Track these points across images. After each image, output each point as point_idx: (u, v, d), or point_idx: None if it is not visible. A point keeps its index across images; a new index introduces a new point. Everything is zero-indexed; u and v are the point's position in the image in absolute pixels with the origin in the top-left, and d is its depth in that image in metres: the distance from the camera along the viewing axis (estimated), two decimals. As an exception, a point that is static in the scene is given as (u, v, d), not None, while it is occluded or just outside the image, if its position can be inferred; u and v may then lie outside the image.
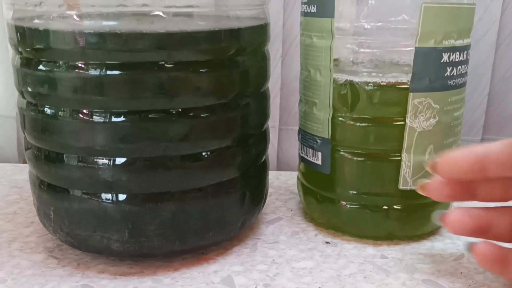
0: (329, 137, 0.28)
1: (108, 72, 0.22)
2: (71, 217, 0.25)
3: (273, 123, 0.45)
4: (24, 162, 0.48)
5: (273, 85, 0.44)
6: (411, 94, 0.26)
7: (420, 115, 0.26)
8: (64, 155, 0.24)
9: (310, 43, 0.28)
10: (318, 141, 0.28)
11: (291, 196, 0.35)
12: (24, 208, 0.32)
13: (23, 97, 0.25)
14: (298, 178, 0.32)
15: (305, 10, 0.28)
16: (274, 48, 0.43)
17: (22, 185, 0.36)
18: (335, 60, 0.27)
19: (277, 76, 0.45)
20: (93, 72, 0.22)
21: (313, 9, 0.27)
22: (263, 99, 0.28)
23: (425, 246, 0.28)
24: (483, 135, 0.45)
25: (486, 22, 0.42)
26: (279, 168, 0.47)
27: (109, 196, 0.24)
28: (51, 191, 0.25)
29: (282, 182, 0.38)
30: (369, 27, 0.25)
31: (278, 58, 0.45)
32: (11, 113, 0.47)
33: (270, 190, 0.35)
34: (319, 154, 0.28)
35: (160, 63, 0.22)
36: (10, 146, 0.48)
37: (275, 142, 0.46)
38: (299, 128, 0.30)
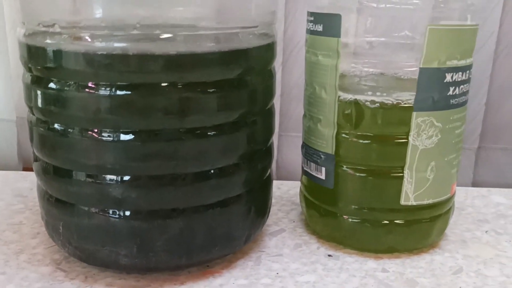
0: (333, 153, 0.28)
1: (118, 92, 0.23)
2: (80, 232, 0.25)
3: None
4: (25, 166, 0.48)
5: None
6: (414, 113, 0.26)
7: (423, 133, 0.27)
8: (73, 172, 0.25)
9: (315, 60, 0.28)
10: (322, 156, 0.29)
11: (292, 207, 0.35)
12: (29, 218, 0.33)
13: (32, 114, 0.26)
14: (300, 191, 0.32)
15: (311, 28, 0.28)
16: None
17: (26, 194, 0.36)
18: (341, 78, 0.27)
19: (278, 83, 0.46)
20: (103, 92, 0.23)
21: (320, 27, 0.27)
22: (269, 116, 0.28)
23: (425, 259, 0.29)
24: (480, 143, 0.46)
25: (485, 32, 0.42)
26: (279, 173, 0.47)
27: (118, 212, 0.24)
28: (60, 206, 0.26)
29: (283, 192, 0.38)
30: (374, 46, 0.26)
31: (278, 65, 0.45)
32: (10, 116, 0.47)
33: (272, 200, 0.35)
34: (323, 169, 0.29)
35: (169, 84, 0.23)
36: (10, 150, 0.48)
37: (275, 148, 0.47)
38: (303, 142, 0.31)
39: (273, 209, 0.35)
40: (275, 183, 0.40)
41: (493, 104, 0.44)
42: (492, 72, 0.44)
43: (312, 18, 0.28)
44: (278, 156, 0.48)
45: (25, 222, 0.32)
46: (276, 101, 0.46)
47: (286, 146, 0.47)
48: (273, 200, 0.36)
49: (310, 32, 0.28)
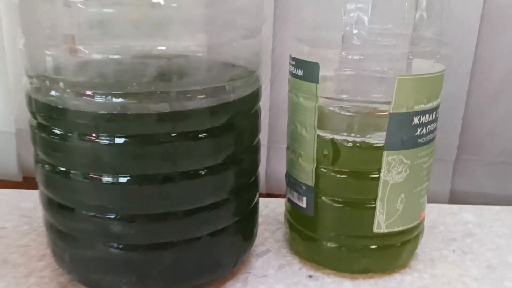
0: (313, 185, 0.31)
1: (117, 141, 0.25)
2: (84, 262, 0.28)
3: (262, 142, 0.48)
4: (25, 176, 0.50)
5: (263, 106, 0.47)
6: (385, 153, 0.29)
7: (393, 170, 0.29)
8: (76, 209, 0.27)
9: (297, 101, 0.31)
10: (303, 187, 0.32)
11: (278, 226, 0.38)
12: (35, 240, 0.36)
13: (37, 154, 0.28)
14: (285, 215, 0.35)
15: (293, 72, 0.31)
16: (264, 72, 0.46)
17: (30, 215, 0.39)
18: (319, 119, 0.30)
19: (267, 98, 0.48)
20: (102, 141, 0.25)
21: (300, 72, 0.30)
22: (255, 151, 0.31)
23: (396, 279, 0.32)
24: (457, 155, 0.48)
25: (462, 52, 0.45)
26: (268, 184, 0.50)
27: (118, 245, 0.27)
28: (67, 239, 0.28)
29: (270, 210, 0.41)
30: (348, 95, 0.29)
31: (267, 81, 0.48)
32: (9, 129, 0.49)
33: (259, 219, 0.38)
34: (304, 198, 0.32)
35: (163, 134, 0.25)
36: (10, 161, 0.50)
37: (264, 160, 0.49)
38: (287, 172, 0.34)
39: (260, 228, 0.38)
40: (263, 200, 0.43)
41: (470, 119, 0.47)
42: (469, 89, 0.46)
43: (293, 63, 0.31)
44: (267, 167, 0.50)
45: (31, 244, 0.35)
46: (265, 115, 0.48)
47: (275, 157, 0.50)
48: (260, 219, 0.39)
49: (292, 74, 0.31)
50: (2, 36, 0.47)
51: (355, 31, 0.28)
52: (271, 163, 0.50)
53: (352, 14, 0.28)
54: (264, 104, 0.47)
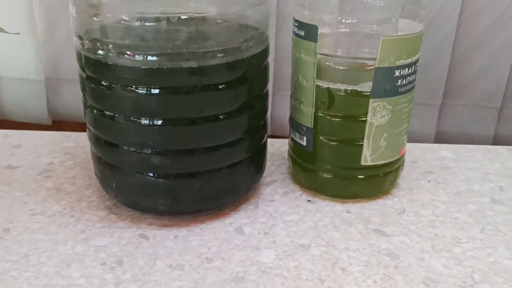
0: (312, 127, 0.38)
1: (153, 91, 0.32)
2: (129, 188, 0.35)
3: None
4: (54, 119, 0.57)
5: (270, 55, 0.52)
6: (371, 100, 0.35)
7: (377, 114, 0.36)
8: (120, 146, 0.34)
9: (299, 57, 0.37)
10: (304, 128, 0.38)
11: (282, 162, 0.45)
12: (80, 173, 0.43)
13: (85, 99, 0.35)
14: (288, 152, 0.42)
15: (296, 32, 0.37)
16: (271, 19, 0.50)
17: (73, 152, 0.46)
18: (317, 71, 0.36)
19: (272, 49, 0.53)
20: (141, 91, 0.32)
21: (302, 33, 0.36)
22: (264, 98, 0.37)
23: (379, 203, 0.39)
24: (443, 100, 0.54)
25: (450, 5, 0.49)
26: (273, 126, 0.56)
27: (155, 174, 0.34)
28: (113, 169, 0.35)
29: (276, 148, 0.48)
30: (341, 52, 0.35)
31: (272, 33, 0.53)
32: (39, 77, 0.55)
33: (267, 156, 0.45)
34: (305, 138, 0.39)
35: (191, 86, 0.32)
36: (40, 107, 0.56)
37: (269, 105, 0.55)
38: (290, 116, 0.40)
39: (268, 163, 0.45)
40: (269, 141, 0.49)
41: (455, 67, 0.52)
42: (455, 39, 0.51)
43: (296, 24, 0.36)
44: (272, 111, 0.56)
45: (77, 176, 0.42)
46: (271, 64, 0.53)
47: (279, 103, 0.55)
48: (268, 155, 0.46)
49: (295, 34, 0.37)
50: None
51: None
52: (276, 108, 0.55)
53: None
54: (269, 54, 0.52)
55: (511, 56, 0.51)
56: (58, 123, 0.59)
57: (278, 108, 0.55)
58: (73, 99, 0.56)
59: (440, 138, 0.55)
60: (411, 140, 0.53)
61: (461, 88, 0.53)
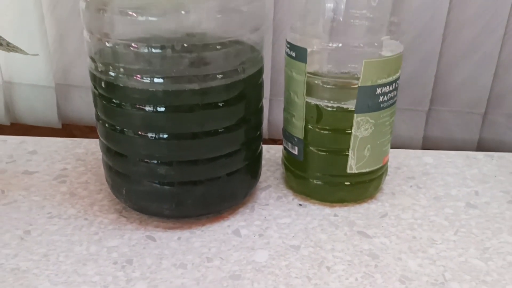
0: (303, 138, 0.41)
1: (159, 109, 0.35)
2: (137, 194, 0.39)
3: (265, 95, 0.56)
4: (63, 123, 0.60)
5: (267, 64, 0.55)
6: (355, 115, 0.39)
7: (361, 127, 0.40)
8: (129, 157, 0.38)
9: (291, 75, 0.40)
10: (296, 139, 0.42)
11: (277, 167, 0.49)
12: (91, 178, 0.47)
13: (98, 120, 0.38)
14: (282, 159, 0.46)
15: (288, 52, 0.40)
16: (266, 37, 0.54)
17: (84, 158, 0.50)
18: (307, 90, 0.40)
19: (269, 58, 0.57)
20: (149, 109, 0.35)
21: (293, 54, 0.39)
22: (259, 113, 0.41)
23: (363, 207, 0.43)
24: (430, 106, 0.57)
25: (436, 17, 0.52)
26: (270, 131, 0.60)
27: (161, 182, 0.38)
28: (123, 177, 0.39)
29: (271, 155, 0.52)
30: (329, 72, 0.38)
31: (269, 44, 0.56)
32: (50, 84, 0.58)
33: (262, 162, 0.49)
34: (296, 147, 0.42)
35: (193, 104, 0.35)
36: (51, 111, 0.60)
37: (267, 110, 0.58)
38: (283, 128, 0.44)
39: (263, 169, 0.48)
40: (265, 147, 0.53)
41: (441, 75, 0.55)
42: (441, 50, 0.54)
43: (288, 46, 0.40)
44: (269, 116, 0.59)
45: (89, 181, 0.46)
46: (268, 72, 0.56)
47: (276, 108, 0.59)
48: (263, 162, 0.50)
49: (287, 54, 0.40)
50: (41, 3, 0.55)
51: (334, 25, 0.37)
52: (273, 113, 0.59)
53: (329, 4, 0.37)
54: (267, 63, 0.56)
55: (493, 65, 0.54)
56: (68, 127, 0.62)
57: (275, 113, 0.59)
58: (81, 104, 0.60)
59: (428, 142, 0.58)
60: (400, 144, 0.57)
61: (447, 95, 0.56)
